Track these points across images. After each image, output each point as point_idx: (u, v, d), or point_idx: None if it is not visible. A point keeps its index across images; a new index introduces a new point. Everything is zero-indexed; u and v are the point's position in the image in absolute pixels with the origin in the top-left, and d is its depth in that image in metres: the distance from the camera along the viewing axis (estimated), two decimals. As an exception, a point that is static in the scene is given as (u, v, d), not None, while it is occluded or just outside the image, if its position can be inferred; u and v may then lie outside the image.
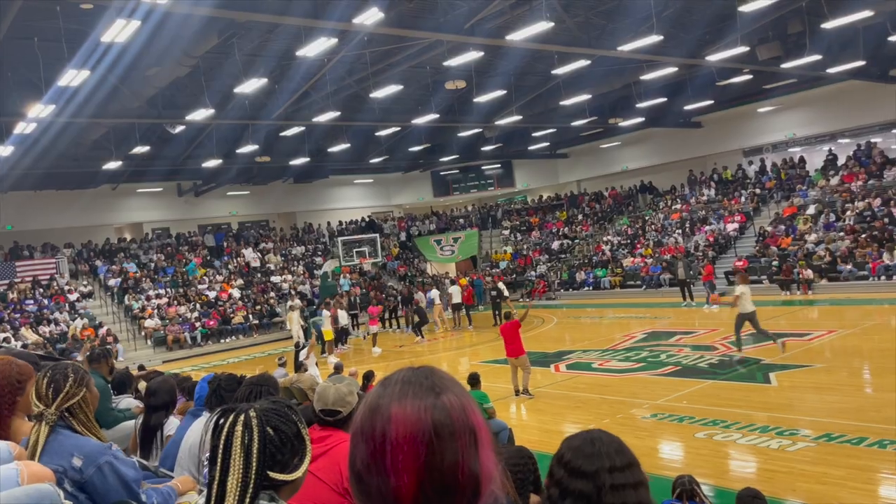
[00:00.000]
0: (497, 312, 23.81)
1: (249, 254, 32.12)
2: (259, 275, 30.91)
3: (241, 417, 1.52)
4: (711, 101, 26.11)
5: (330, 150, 27.21)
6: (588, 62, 18.92)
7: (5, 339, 21.37)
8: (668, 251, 27.84)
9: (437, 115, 22.70)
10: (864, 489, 7.13)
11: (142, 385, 6.75)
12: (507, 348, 12.81)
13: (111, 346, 22.14)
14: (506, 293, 24.91)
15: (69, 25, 13.30)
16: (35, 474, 2.16)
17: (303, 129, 23.91)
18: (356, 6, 12.67)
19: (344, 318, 22.84)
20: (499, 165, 37.63)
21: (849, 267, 22.20)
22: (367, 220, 37.46)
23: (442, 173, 37.85)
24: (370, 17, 12.63)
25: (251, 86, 16.94)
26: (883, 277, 21.19)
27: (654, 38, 15.83)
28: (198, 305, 27.15)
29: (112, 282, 27.78)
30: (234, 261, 31.43)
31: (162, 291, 27.81)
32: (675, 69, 20.93)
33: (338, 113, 20.62)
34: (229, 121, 20.85)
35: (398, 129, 26.65)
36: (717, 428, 9.57)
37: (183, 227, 32.89)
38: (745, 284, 14.36)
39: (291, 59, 16.85)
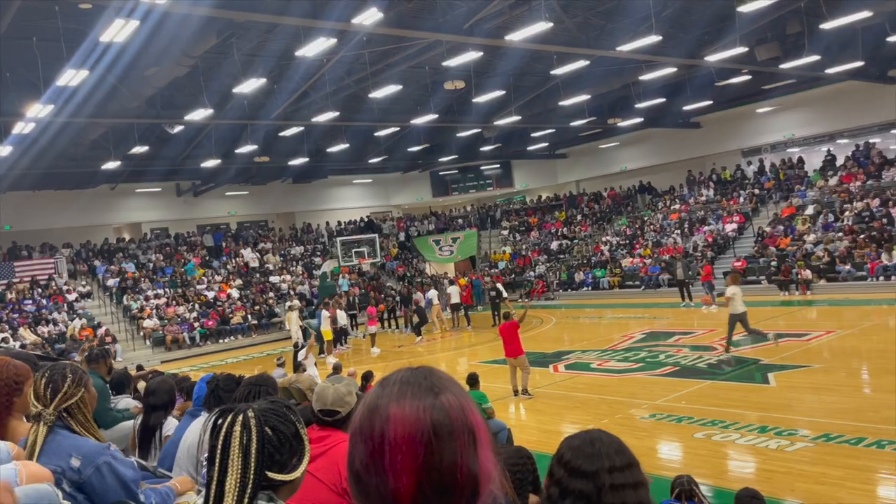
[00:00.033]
0: (496, 313, 23.82)
1: (248, 254, 32.11)
2: (258, 275, 30.90)
3: (240, 417, 1.52)
4: (710, 102, 26.13)
5: (329, 150, 27.21)
6: (587, 62, 18.92)
7: (3, 340, 21.36)
8: (666, 251, 27.85)
9: (436, 116, 22.70)
10: (863, 489, 7.14)
11: (141, 385, 6.75)
12: (506, 348, 12.81)
13: (109, 346, 22.12)
14: (504, 294, 24.92)
15: (68, 25, 13.29)
16: (34, 474, 2.16)
17: (302, 129, 23.90)
18: (355, 6, 12.66)
19: (343, 318, 22.83)
20: (498, 166, 37.64)
21: (847, 267, 22.21)
22: (366, 220, 37.46)
23: (441, 173, 37.84)
24: (369, 17, 12.62)
25: (250, 86, 16.93)
26: (881, 278, 21.21)
27: (653, 39, 15.84)
28: (196, 305, 27.14)
29: (111, 282, 27.77)
30: (233, 261, 31.42)
31: (160, 291, 27.79)
32: (674, 69, 20.94)
33: (337, 113, 20.61)
34: (228, 121, 20.84)
35: (397, 129, 26.65)
36: (716, 428, 9.58)
37: (181, 228, 32.87)
38: (736, 285, 14.40)
39: (290, 59, 16.85)
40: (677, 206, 31.75)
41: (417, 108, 23.63)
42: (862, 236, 22.83)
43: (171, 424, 4.42)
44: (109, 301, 27.23)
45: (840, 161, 28.04)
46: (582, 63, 18.80)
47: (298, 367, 13.10)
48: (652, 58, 18.75)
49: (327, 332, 20.88)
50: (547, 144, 34.33)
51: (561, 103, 23.48)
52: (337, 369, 11.88)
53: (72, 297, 26.31)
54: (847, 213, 24.56)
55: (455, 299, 25.19)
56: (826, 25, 16.65)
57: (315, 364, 14.70)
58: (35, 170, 22.23)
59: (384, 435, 1.06)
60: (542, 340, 19.54)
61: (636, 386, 12.81)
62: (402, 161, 33.14)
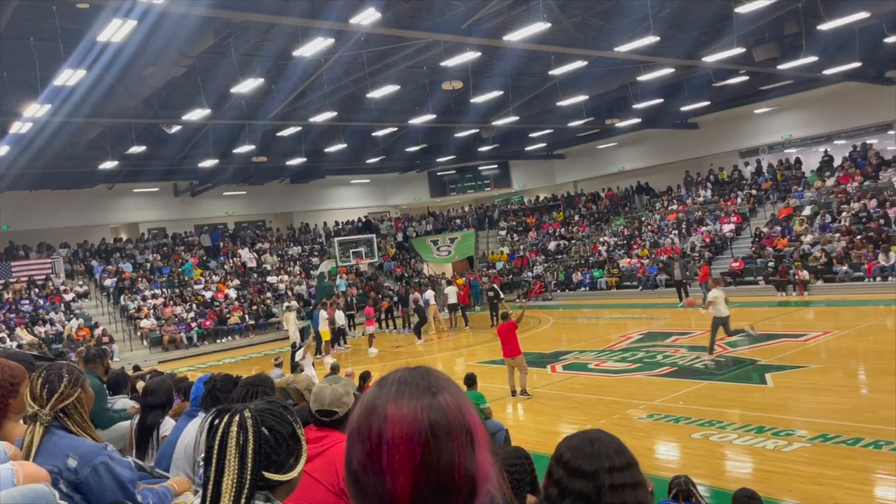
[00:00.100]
0: (494, 313, 23.81)
1: (246, 254, 32.09)
2: (255, 275, 30.87)
3: (236, 418, 1.52)
4: (708, 102, 26.15)
5: (326, 150, 27.19)
6: (585, 63, 18.93)
7: (0, 340, 21.33)
8: (664, 252, 27.87)
9: (433, 116, 22.70)
10: (860, 490, 7.15)
11: (141, 385, 6.74)
12: (504, 349, 12.82)
13: (107, 346, 22.08)
14: (501, 295, 24.92)
15: (65, 25, 13.27)
16: (30, 475, 2.15)
17: (299, 129, 23.89)
18: (353, 6, 12.66)
19: (341, 318, 22.81)
20: (495, 166, 37.64)
21: (844, 268, 22.26)
22: (364, 220, 37.45)
23: (439, 174, 37.84)
24: (367, 17, 12.61)
25: (248, 86, 16.93)
26: (878, 278, 21.25)
27: (651, 39, 15.86)
28: (194, 306, 27.12)
29: (108, 282, 27.73)
30: (231, 261, 31.40)
31: (158, 291, 27.76)
32: (672, 70, 20.97)
33: (334, 113, 20.60)
34: (226, 121, 20.82)
35: (395, 129, 26.64)
36: (714, 428, 9.59)
37: (179, 228, 32.83)
38: (718, 289, 14.41)
39: (288, 59, 16.84)
40: (675, 207, 31.78)
41: (415, 109, 23.63)
42: (859, 237, 22.87)
43: (168, 424, 4.41)
44: (106, 301, 27.19)
45: (837, 162, 28.09)
46: (580, 63, 18.81)
47: (296, 367, 13.09)
48: (650, 58, 18.76)
49: (325, 332, 20.86)
50: (545, 145, 34.34)
51: (559, 104, 23.49)
52: (334, 369, 11.88)
53: (69, 297, 26.26)
54: (844, 214, 24.60)
55: (452, 300, 25.19)
56: (824, 26, 16.67)
57: (313, 364, 14.69)
58: (32, 169, 22.20)
59: (382, 435, 1.06)
60: (539, 341, 19.54)
61: (634, 386, 12.82)
62: (399, 161, 33.14)
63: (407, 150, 30.21)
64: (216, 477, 1.48)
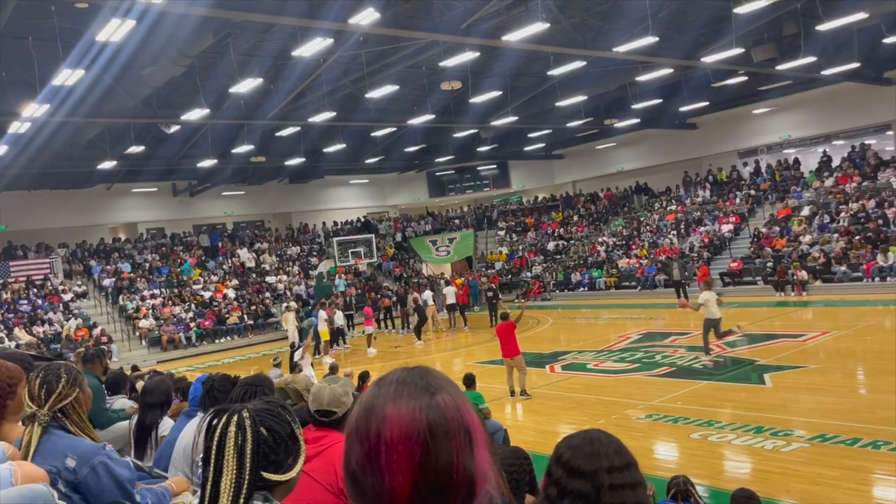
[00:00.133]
0: (493, 313, 23.81)
1: (244, 254, 32.08)
2: (254, 275, 30.86)
3: (235, 418, 1.52)
4: (707, 103, 26.17)
5: (325, 150, 27.18)
6: (584, 63, 18.93)
7: (-1, 340, 21.30)
8: (663, 252, 27.89)
9: (432, 116, 22.70)
10: (858, 490, 7.15)
11: (140, 385, 6.74)
12: (503, 349, 12.82)
13: (105, 346, 22.06)
14: (499, 295, 24.94)
15: (64, 24, 13.27)
16: (29, 475, 2.15)
17: (298, 129, 23.88)
18: (352, 6, 12.66)
19: (340, 318, 22.80)
20: (494, 166, 37.64)
21: (843, 268, 22.27)
22: (363, 220, 37.44)
23: (437, 174, 37.84)
24: (366, 17, 12.61)
25: (246, 86, 16.92)
26: (877, 279, 21.26)
27: (650, 40, 15.86)
28: (192, 306, 27.10)
29: (106, 282, 27.71)
30: (229, 261, 31.38)
31: (156, 291, 27.74)
32: (671, 70, 20.97)
33: (333, 113, 20.59)
34: (224, 121, 20.81)
35: (394, 129, 26.63)
36: (712, 429, 9.59)
37: (178, 227, 32.81)
38: (709, 291, 14.42)
39: (287, 59, 16.83)
40: (674, 207, 31.80)
41: (414, 109, 23.63)
42: (857, 237, 22.89)
43: (167, 424, 4.41)
44: (105, 301, 27.17)
45: (836, 162, 28.12)
46: (579, 64, 18.81)
47: (295, 367, 13.08)
48: (648, 59, 18.77)
49: (324, 332, 20.86)
50: (543, 145, 34.35)
51: (558, 104, 23.50)
52: (333, 370, 11.88)
53: (67, 297, 26.24)
54: (843, 215, 24.62)
55: (451, 300, 25.19)
56: (822, 27, 16.68)
57: (312, 364, 14.69)
58: (31, 169, 22.17)
59: (380, 435, 1.05)
60: (538, 341, 19.55)
61: (632, 386, 12.82)
62: (398, 161, 33.13)
63: (406, 150, 30.21)
64: (214, 477, 1.48)
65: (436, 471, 1.04)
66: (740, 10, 14.74)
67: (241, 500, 1.46)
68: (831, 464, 7.80)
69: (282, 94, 19.49)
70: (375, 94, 19.65)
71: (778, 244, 25.01)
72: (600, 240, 32.14)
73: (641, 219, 32.25)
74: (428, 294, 24.86)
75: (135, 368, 14.08)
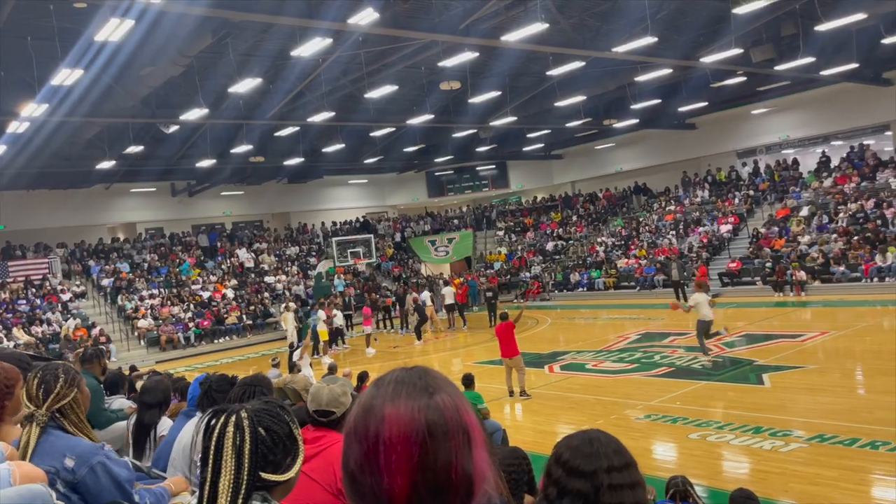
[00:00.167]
0: (492, 313, 23.81)
1: (243, 254, 32.06)
2: (253, 275, 30.85)
3: (233, 418, 1.51)
4: (705, 103, 26.17)
5: (324, 150, 27.18)
6: (582, 63, 18.94)
7: (-3, 340, 21.28)
8: (661, 252, 27.90)
9: (431, 116, 22.70)
10: (857, 490, 7.16)
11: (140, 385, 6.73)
12: (502, 349, 12.83)
13: (104, 346, 22.04)
14: (498, 296, 24.96)
15: (63, 24, 13.25)
16: (27, 475, 2.15)
17: (297, 129, 23.87)
18: (351, 6, 12.65)
19: (339, 318, 22.81)
20: (493, 166, 37.64)
21: (841, 268, 22.28)
22: (362, 220, 37.43)
23: (436, 174, 37.84)
24: (365, 17, 12.61)
25: (245, 85, 16.91)
26: (875, 279, 21.28)
27: (649, 40, 15.87)
28: (191, 306, 27.08)
29: (105, 282, 27.69)
30: (228, 261, 31.36)
31: (155, 291, 27.72)
32: (670, 71, 20.98)
33: (332, 113, 20.58)
34: (223, 121, 20.80)
35: (393, 129, 26.63)
36: (711, 429, 9.60)
37: (176, 227, 32.79)
38: (701, 293, 14.44)
39: (286, 59, 16.82)
40: (672, 207, 31.81)
41: (413, 109, 23.62)
42: (856, 238, 22.91)
43: (165, 424, 4.41)
44: (104, 301, 27.15)
45: (835, 162, 28.15)
46: (577, 64, 18.82)
47: (293, 367, 13.08)
48: (647, 59, 18.78)
49: (323, 332, 20.86)
50: (542, 145, 34.36)
51: (556, 104, 23.50)
52: (332, 370, 11.89)
53: (66, 297, 26.22)
54: (841, 215, 24.64)
55: (449, 300, 25.20)
56: (821, 27, 16.70)
57: (310, 364, 14.69)
58: (29, 169, 22.15)
59: (379, 435, 1.05)
60: (537, 341, 19.55)
61: (631, 387, 12.83)
62: (397, 161, 33.12)
63: (405, 150, 30.21)
64: (213, 477, 1.47)
65: (434, 471, 1.04)
66: (739, 10, 14.74)
67: (240, 501, 1.45)
68: (830, 464, 7.81)
69: (281, 94, 19.49)
70: (374, 94, 19.64)
71: (777, 244, 25.03)
72: (599, 240, 32.15)
73: (640, 219, 32.26)
74: (426, 294, 24.87)
75: (133, 369, 14.09)
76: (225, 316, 26.72)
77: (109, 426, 5.13)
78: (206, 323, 26.12)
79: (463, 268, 35.48)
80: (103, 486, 2.46)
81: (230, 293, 28.60)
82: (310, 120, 21.14)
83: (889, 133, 27.15)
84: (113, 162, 22.81)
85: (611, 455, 1.67)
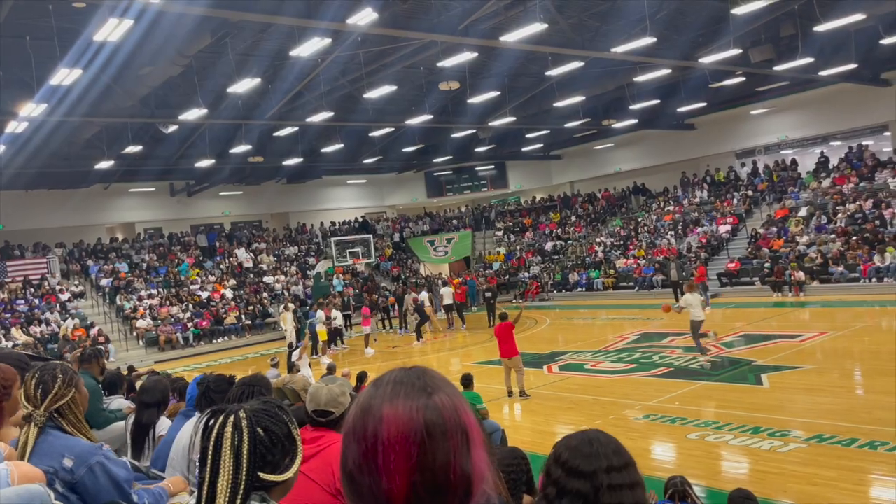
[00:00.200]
0: (491, 314, 23.81)
1: (242, 254, 32.04)
2: (252, 275, 30.83)
3: (231, 418, 1.51)
4: (704, 104, 26.19)
5: (323, 150, 27.17)
6: (581, 64, 18.95)
7: (-4, 339, 21.26)
8: (660, 253, 27.91)
9: (430, 116, 22.70)
10: (855, 490, 7.16)
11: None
12: (501, 349, 12.83)
13: (102, 346, 22.02)
14: (497, 296, 24.96)
15: (61, 24, 13.25)
16: (25, 475, 2.15)
17: (296, 129, 23.87)
18: (350, 6, 12.66)
19: (339, 318, 22.80)
20: (492, 166, 37.65)
21: (840, 269, 22.29)
22: (361, 220, 37.42)
23: (435, 174, 37.85)
24: (364, 17, 12.62)
25: (244, 85, 16.90)
26: (874, 279, 21.29)
27: (648, 41, 15.89)
28: (190, 306, 27.06)
29: (104, 282, 27.67)
30: (227, 261, 31.35)
31: (154, 291, 27.70)
32: (669, 71, 20.98)
33: (331, 113, 20.58)
34: (222, 121, 20.79)
35: (392, 129, 26.63)
36: (709, 429, 9.60)
37: (175, 227, 32.77)
38: (692, 293, 14.52)
39: (285, 59, 16.82)
40: (671, 208, 31.82)
41: (412, 109, 23.62)
42: (854, 238, 22.92)
43: (164, 424, 4.41)
44: (102, 301, 27.12)
45: (833, 163, 28.16)
46: (576, 64, 18.83)
47: (292, 367, 13.07)
48: (646, 59, 18.79)
49: (322, 332, 20.86)
50: (541, 145, 34.37)
51: (555, 104, 23.51)
52: (331, 370, 11.88)
53: (64, 297, 26.20)
54: (840, 215, 24.66)
55: (448, 300, 25.19)
56: (820, 28, 16.72)
57: (309, 365, 14.68)
58: (28, 169, 22.14)
59: (377, 435, 1.05)
60: (536, 341, 19.55)
61: (630, 387, 12.83)
62: (396, 161, 33.13)
63: (404, 150, 30.22)
64: (211, 478, 1.47)
65: (433, 471, 1.04)
66: (738, 10, 14.75)
67: (238, 501, 1.45)
68: (828, 464, 7.81)
69: (280, 94, 19.49)
70: (373, 94, 19.64)
71: (775, 245, 25.04)
72: (598, 240, 32.15)
73: (639, 219, 32.27)
74: (424, 295, 24.87)
75: (131, 369, 14.08)
76: (224, 316, 26.71)
77: (108, 426, 5.12)
78: (204, 323, 26.11)
79: (462, 268, 35.48)
80: (102, 486, 2.46)
81: (229, 293, 28.58)
82: (309, 120, 21.14)
83: (888, 133, 27.18)
84: (112, 162, 22.80)
85: (610, 455, 1.67)
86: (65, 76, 13.37)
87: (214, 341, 25.80)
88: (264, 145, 25.86)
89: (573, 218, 35.81)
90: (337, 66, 18.62)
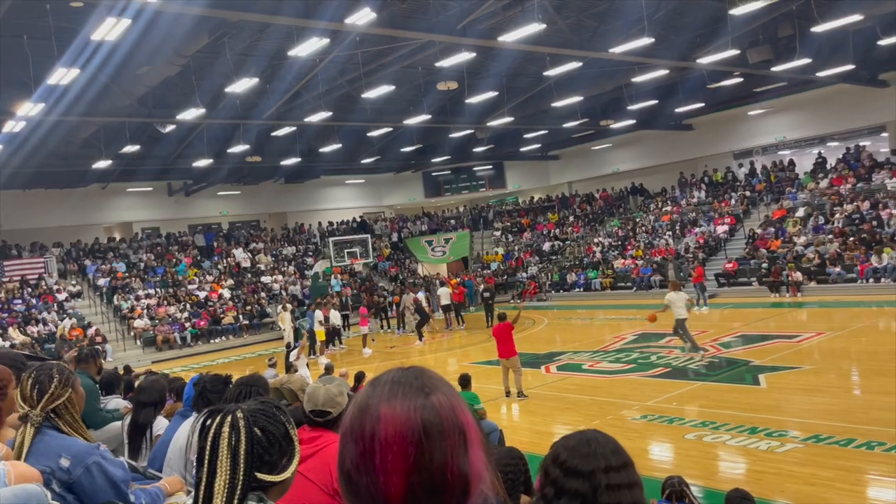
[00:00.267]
0: (490, 314, 23.81)
1: (240, 254, 32.00)
2: (249, 275, 30.79)
3: (228, 418, 1.51)
4: (702, 104, 26.23)
5: (321, 150, 27.17)
6: (580, 64, 18.97)
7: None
8: (658, 253, 27.94)
9: (428, 116, 22.71)
10: (852, 490, 7.17)
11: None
12: (500, 349, 12.82)
13: (100, 346, 22.00)
14: (495, 296, 24.96)
15: (59, 23, 13.23)
16: (22, 474, 2.14)
17: (294, 129, 23.86)
18: (348, 6, 12.66)
19: (337, 318, 22.78)
20: (490, 167, 37.67)
21: (837, 269, 22.33)
22: (359, 220, 37.41)
23: (433, 174, 37.85)
24: (362, 17, 12.62)
25: (242, 85, 16.89)
26: (871, 280, 21.33)
27: (646, 41, 15.90)
28: (187, 306, 27.03)
29: (101, 281, 27.62)
30: (225, 261, 31.31)
31: (151, 291, 27.66)
32: (667, 72, 21.00)
33: (329, 113, 20.58)
34: (220, 120, 20.78)
35: (390, 129, 26.63)
36: (707, 429, 9.61)
37: (173, 227, 32.73)
38: (675, 292, 14.63)
39: (283, 58, 16.82)
40: (669, 208, 31.85)
41: (410, 109, 23.62)
42: (852, 239, 22.96)
43: (161, 424, 4.40)
44: (100, 301, 27.08)
45: (831, 163, 28.22)
46: (575, 65, 18.84)
47: (290, 367, 13.06)
48: (644, 60, 18.80)
49: (320, 332, 20.84)
50: (539, 146, 34.40)
51: (553, 105, 23.53)
52: (329, 370, 11.86)
53: (62, 296, 26.15)
54: (837, 216, 24.70)
55: (445, 300, 25.17)
56: (817, 28, 16.74)
57: (307, 365, 14.67)
58: (25, 168, 22.12)
59: (375, 435, 1.05)
60: (534, 341, 19.56)
61: (628, 387, 12.84)
62: (394, 161, 33.14)
63: (402, 150, 30.22)
64: (208, 478, 1.47)
65: (430, 471, 1.04)
66: (736, 11, 14.78)
67: (235, 501, 1.45)
68: (825, 464, 7.82)
69: (278, 94, 19.48)
70: (371, 94, 19.63)
71: (773, 245, 25.08)
72: (596, 240, 32.17)
73: (637, 220, 32.30)
74: (421, 295, 24.85)
75: (127, 369, 14.01)
76: (221, 316, 26.67)
77: (105, 426, 5.11)
78: (202, 323, 26.07)
79: (460, 268, 35.48)
80: (99, 486, 2.46)
81: (227, 293, 28.55)
82: (307, 120, 21.13)
83: (885, 134, 27.23)
84: (109, 161, 22.78)
85: (608, 455, 1.67)
86: (62, 75, 13.36)
87: (212, 341, 25.76)
88: (262, 145, 25.85)
89: (571, 218, 35.83)
90: (335, 65, 18.61)
